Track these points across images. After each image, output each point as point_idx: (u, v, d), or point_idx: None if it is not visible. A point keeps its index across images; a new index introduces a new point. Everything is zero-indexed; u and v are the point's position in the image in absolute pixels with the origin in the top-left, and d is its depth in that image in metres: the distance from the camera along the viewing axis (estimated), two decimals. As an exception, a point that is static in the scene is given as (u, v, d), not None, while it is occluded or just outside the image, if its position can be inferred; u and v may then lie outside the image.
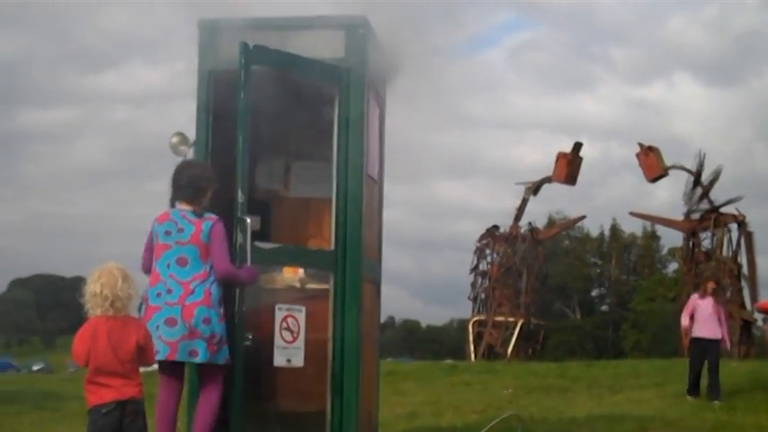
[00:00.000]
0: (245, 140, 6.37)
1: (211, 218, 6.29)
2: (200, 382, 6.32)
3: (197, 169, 6.53)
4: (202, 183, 6.40)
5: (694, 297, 13.89)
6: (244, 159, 6.37)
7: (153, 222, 6.38)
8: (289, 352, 6.51)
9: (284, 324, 6.49)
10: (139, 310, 6.13)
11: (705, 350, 13.46)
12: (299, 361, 6.57)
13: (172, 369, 6.24)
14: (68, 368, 51.89)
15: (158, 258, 6.27)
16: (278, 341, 6.47)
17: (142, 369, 5.64)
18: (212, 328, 6.12)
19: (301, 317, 6.59)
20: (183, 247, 6.22)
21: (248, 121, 6.40)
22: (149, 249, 6.38)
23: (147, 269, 6.37)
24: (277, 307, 6.51)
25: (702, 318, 13.48)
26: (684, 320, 13.70)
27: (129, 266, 5.74)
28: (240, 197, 6.32)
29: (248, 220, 6.31)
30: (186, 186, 6.37)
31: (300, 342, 6.56)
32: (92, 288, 5.49)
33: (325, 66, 6.88)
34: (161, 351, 6.01)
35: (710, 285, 13.81)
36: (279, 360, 6.49)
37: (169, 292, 6.16)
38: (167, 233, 6.27)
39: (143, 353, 5.51)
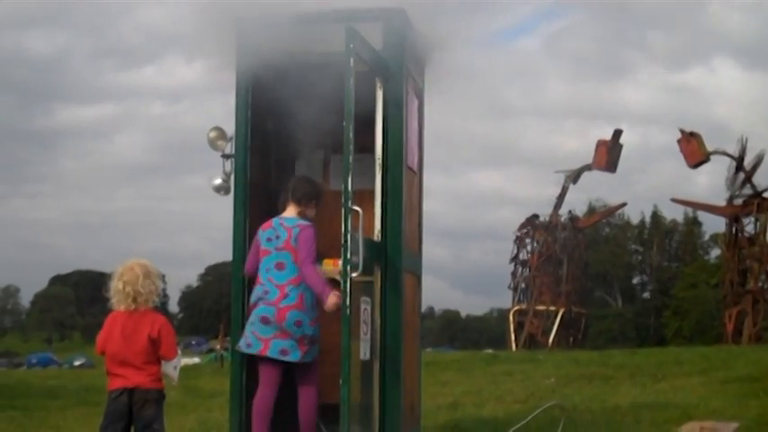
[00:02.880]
0: (351, 129, 6.23)
1: (300, 224, 6.63)
2: (296, 379, 6.67)
3: (310, 184, 7.02)
4: (317, 189, 7.01)
5: None
6: (349, 148, 6.24)
7: (258, 231, 6.79)
8: (364, 345, 6.55)
9: (363, 317, 6.53)
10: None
11: None
12: (368, 353, 6.63)
13: (270, 365, 6.58)
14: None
15: (260, 263, 6.68)
16: (360, 335, 6.51)
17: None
18: (303, 330, 6.48)
19: (369, 308, 6.64)
20: (280, 253, 6.61)
21: (353, 108, 6.24)
22: (254, 254, 6.80)
23: (249, 273, 6.85)
24: (362, 299, 6.56)
25: None
26: None
27: (162, 262, 5.93)
28: (350, 187, 6.21)
29: (360, 211, 6.23)
30: (294, 190, 6.83)
31: (369, 334, 6.62)
32: (115, 285, 5.91)
33: (379, 57, 6.85)
34: (253, 345, 6.52)
35: None
36: (361, 354, 6.54)
37: (266, 293, 6.56)
38: (269, 240, 6.69)
39: (157, 346, 5.83)
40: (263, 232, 6.73)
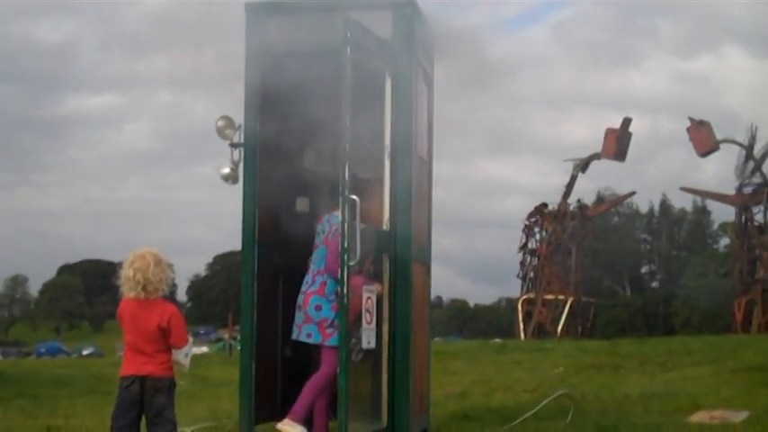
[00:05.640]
0: (351, 118, 6.31)
1: (336, 224, 6.69)
2: (320, 359, 6.90)
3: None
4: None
5: None
6: (348, 137, 6.30)
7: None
8: (369, 334, 6.55)
9: (367, 305, 6.54)
10: None
11: None
12: (374, 342, 6.62)
13: (312, 349, 7.05)
14: (117, 351, 52.67)
15: (312, 254, 7.10)
16: (364, 324, 6.53)
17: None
18: (322, 314, 6.81)
19: (374, 297, 6.63)
20: (322, 247, 7.00)
21: (351, 97, 6.31)
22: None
23: None
24: (366, 288, 6.57)
25: None
26: None
27: (170, 251, 5.92)
28: (347, 176, 6.25)
29: (357, 200, 6.24)
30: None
31: (374, 323, 6.63)
32: (126, 272, 5.83)
33: (386, 45, 6.83)
34: (294, 332, 6.99)
35: None
36: (365, 343, 6.55)
37: (306, 283, 7.00)
38: (318, 234, 7.10)
39: (167, 335, 5.79)
40: (317, 225, 7.15)
